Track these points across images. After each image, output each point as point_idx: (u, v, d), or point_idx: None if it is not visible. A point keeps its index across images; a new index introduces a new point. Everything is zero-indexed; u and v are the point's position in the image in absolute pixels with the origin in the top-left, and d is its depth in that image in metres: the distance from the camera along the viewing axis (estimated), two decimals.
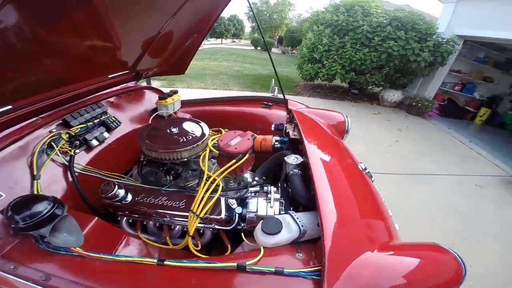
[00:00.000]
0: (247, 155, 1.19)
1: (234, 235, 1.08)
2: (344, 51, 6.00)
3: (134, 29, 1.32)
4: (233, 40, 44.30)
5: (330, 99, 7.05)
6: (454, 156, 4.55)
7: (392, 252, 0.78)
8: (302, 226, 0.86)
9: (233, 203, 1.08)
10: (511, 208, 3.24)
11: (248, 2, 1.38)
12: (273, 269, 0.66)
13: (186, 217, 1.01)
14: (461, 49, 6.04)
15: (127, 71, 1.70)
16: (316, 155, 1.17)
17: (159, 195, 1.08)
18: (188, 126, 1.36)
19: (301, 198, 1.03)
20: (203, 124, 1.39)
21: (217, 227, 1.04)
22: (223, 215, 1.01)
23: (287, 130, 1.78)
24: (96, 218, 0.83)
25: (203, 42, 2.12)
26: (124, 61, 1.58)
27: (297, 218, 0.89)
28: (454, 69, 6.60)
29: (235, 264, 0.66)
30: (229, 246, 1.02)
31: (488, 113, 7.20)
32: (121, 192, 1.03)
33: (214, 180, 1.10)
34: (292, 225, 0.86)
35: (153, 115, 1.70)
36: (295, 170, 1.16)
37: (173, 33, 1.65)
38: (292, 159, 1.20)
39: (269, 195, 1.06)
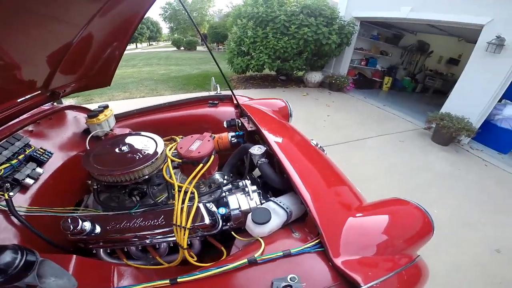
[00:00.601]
0: (212, 156, 1.17)
1: (222, 238, 1.06)
2: (267, 41, 6.31)
3: (40, 44, 1.08)
4: (150, 43, 40.90)
5: (264, 88, 7.37)
6: (375, 120, 5.44)
7: (367, 213, 0.90)
8: (287, 208, 0.92)
9: (211, 206, 1.05)
10: (431, 155, 4.10)
11: (180, 1, 1.31)
12: (282, 253, 0.69)
13: (170, 232, 0.94)
14: (359, 29, 7.11)
15: (39, 92, 1.40)
16: (275, 141, 1.24)
17: (132, 218, 0.97)
18: (138, 141, 1.24)
19: (275, 183, 1.09)
20: (153, 135, 1.28)
21: (203, 234, 1.00)
22: (207, 221, 0.98)
23: (240, 124, 1.81)
24: (75, 256, 0.71)
25: None
26: (32, 81, 1.30)
27: (280, 202, 0.94)
28: (357, 47, 7.73)
29: (246, 260, 0.67)
30: (222, 248, 1.00)
31: (391, 81, 8.79)
32: (87, 225, 0.90)
33: (187, 189, 1.05)
34: (278, 210, 0.91)
35: (89, 137, 1.47)
36: (262, 159, 1.21)
37: (89, 43, 1.43)
38: (257, 150, 1.24)
39: (246, 189, 1.08)
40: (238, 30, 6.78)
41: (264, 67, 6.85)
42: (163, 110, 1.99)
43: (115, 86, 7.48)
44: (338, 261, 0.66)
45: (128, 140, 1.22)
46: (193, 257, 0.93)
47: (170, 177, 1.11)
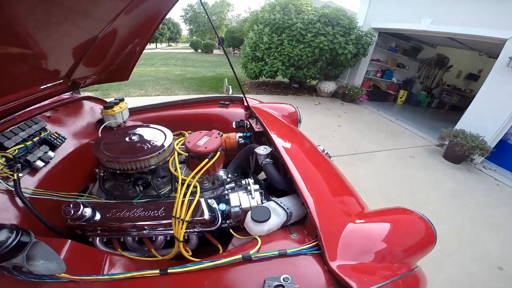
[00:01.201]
0: (218, 152, 1.19)
1: (220, 236, 1.07)
2: (282, 48, 6.35)
3: (67, 36, 1.15)
4: (169, 44, 42.00)
5: (275, 95, 7.40)
6: (387, 133, 5.34)
7: (369, 220, 0.89)
8: (288, 209, 0.92)
9: (212, 202, 1.06)
10: (442, 172, 3.99)
11: (201, 3, 1.35)
12: (277, 253, 0.68)
13: (169, 225, 0.95)
14: (377, 41, 7.06)
15: (61, 81, 1.48)
16: (282, 143, 1.25)
17: (133, 207, 0.99)
18: (148, 132, 1.28)
19: (279, 183, 1.09)
20: (163, 129, 1.32)
21: (202, 229, 1.01)
22: (206, 216, 0.99)
23: (248, 126, 1.83)
24: (70, 241, 0.73)
25: None
26: (56, 70, 1.38)
27: (281, 203, 0.94)
28: (373, 59, 7.67)
29: (240, 256, 0.67)
30: (219, 246, 1.01)
31: (406, 94, 8.63)
32: (88, 211, 0.92)
33: (190, 183, 1.07)
34: (278, 210, 0.91)
35: (102, 126, 1.53)
36: (267, 160, 1.21)
37: (112, 39, 1.51)
38: (262, 150, 1.25)
39: (248, 187, 1.08)
40: (254, 36, 6.87)
41: (277, 73, 6.89)
42: (175, 107, 2.04)
43: (132, 83, 7.72)
44: (334, 265, 0.65)
45: (139, 131, 1.26)
46: (188, 252, 0.93)
47: (176, 170, 1.13)
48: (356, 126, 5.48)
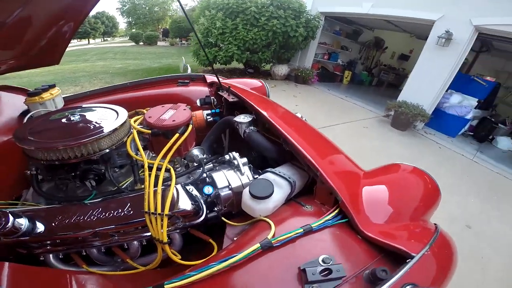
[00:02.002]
0: (190, 126, 0.97)
1: (207, 230, 0.88)
2: (237, 32, 6.14)
3: None
4: (104, 39, 37.32)
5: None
6: (340, 109, 5.66)
7: (378, 179, 0.81)
8: (289, 178, 0.78)
9: (191, 189, 0.86)
10: (392, 141, 4.37)
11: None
12: (302, 230, 0.54)
13: (142, 225, 0.73)
14: (324, 24, 7.32)
15: None
16: (264, 110, 1.09)
17: (87, 209, 0.73)
18: (93, 112, 0.98)
19: (270, 151, 0.94)
20: (113, 106, 1.03)
21: (184, 224, 0.80)
22: (188, 206, 0.79)
23: (216, 103, 1.65)
24: (6, 263, 0.50)
25: None
26: None
27: (279, 172, 0.80)
28: (321, 42, 7.96)
29: (258, 245, 0.50)
30: (211, 241, 0.82)
31: (350, 75, 9.25)
32: (23, 222, 0.65)
33: (159, 168, 0.84)
34: (279, 181, 0.76)
35: (27, 116, 1.16)
36: (251, 128, 1.05)
37: (31, 18, 1.12)
38: (243, 118, 1.09)
39: (234, 162, 0.91)
40: (206, 21, 6.47)
41: (233, 59, 6.65)
42: (126, 89, 1.70)
43: (63, 80, 6.63)
44: (370, 232, 0.54)
45: (79, 111, 0.96)
46: (176, 255, 0.73)
47: (137, 153, 0.88)
48: (312, 104, 5.67)
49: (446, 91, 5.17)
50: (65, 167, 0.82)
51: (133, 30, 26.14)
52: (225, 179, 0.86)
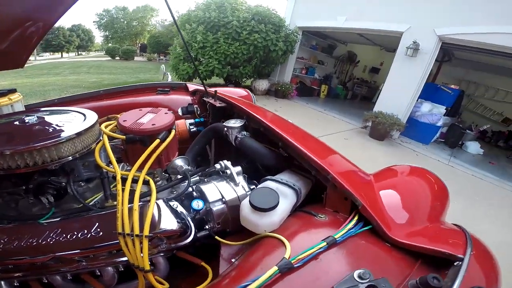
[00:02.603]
0: (172, 132, 0.83)
1: (196, 251, 0.74)
2: (218, 46, 6.16)
3: None
4: (79, 53, 35.94)
5: None
6: (321, 122, 5.79)
7: (390, 182, 0.74)
8: (294, 185, 0.67)
9: (175, 205, 0.72)
10: (373, 150, 4.48)
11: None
12: (325, 244, 0.43)
13: (115, 248, 0.57)
14: (301, 39, 7.61)
15: None
16: (257, 114, 1.00)
17: (42, 231, 0.58)
18: (55, 115, 0.82)
19: (268, 158, 0.84)
20: (80, 109, 0.87)
21: (170, 247, 0.66)
22: (174, 225, 0.65)
23: (199, 112, 1.55)
24: None
25: (33, 59, 1.44)
26: None
27: (282, 180, 0.69)
28: (299, 57, 8.23)
29: (276, 269, 0.38)
30: (203, 264, 0.68)
31: (327, 89, 9.59)
32: None
33: (135, 180, 0.69)
34: (283, 189, 0.66)
35: None
36: (243, 133, 0.95)
37: None
38: (233, 123, 0.98)
39: (227, 172, 0.79)
40: (187, 35, 6.44)
41: (214, 73, 6.62)
42: (98, 98, 1.54)
43: (31, 93, 6.18)
44: (399, 237, 0.45)
45: (37, 114, 0.79)
46: (162, 284, 0.58)
47: (108, 163, 0.73)
48: (293, 118, 5.68)
49: (417, 100, 5.48)
50: (13, 179, 0.65)
51: (110, 44, 25.50)
52: (217, 192, 0.73)
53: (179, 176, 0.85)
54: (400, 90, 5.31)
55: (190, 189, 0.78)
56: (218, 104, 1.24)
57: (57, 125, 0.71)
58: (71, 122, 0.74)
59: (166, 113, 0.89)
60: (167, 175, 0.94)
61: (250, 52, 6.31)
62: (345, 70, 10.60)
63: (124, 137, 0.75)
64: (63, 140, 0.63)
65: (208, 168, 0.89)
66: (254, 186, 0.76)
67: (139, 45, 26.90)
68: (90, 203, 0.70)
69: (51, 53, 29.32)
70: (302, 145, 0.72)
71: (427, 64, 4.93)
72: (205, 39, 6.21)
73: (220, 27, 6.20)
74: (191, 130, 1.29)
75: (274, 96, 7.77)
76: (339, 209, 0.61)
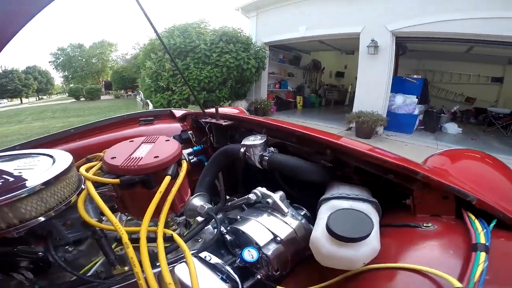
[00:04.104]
0: (184, 163, 0.63)
1: None
2: (189, 72, 6.03)
3: None
4: (40, 97, 33.84)
5: None
6: None
7: (458, 167, 0.63)
8: (369, 198, 0.51)
9: (208, 257, 0.52)
10: None
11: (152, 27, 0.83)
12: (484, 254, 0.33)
13: None
14: (269, 54, 7.79)
15: None
16: (277, 123, 0.84)
17: None
18: (8, 162, 0.58)
19: (315, 173, 0.67)
20: (46, 150, 0.64)
21: None
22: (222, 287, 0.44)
23: (195, 139, 1.35)
24: None
25: None
26: None
27: (350, 195, 0.52)
28: (270, 72, 8.37)
29: None
30: None
31: (302, 99, 9.79)
32: None
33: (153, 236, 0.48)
34: (360, 206, 0.51)
35: None
36: (270, 149, 0.77)
37: None
38: (253, 140, 0.80)
39: (267, 201, 0.60)
40: (153, 65, 6.26)
41: (189, 101, 6.44)
42: (70, 138, 1.28)
43: None
44: None
45: None
46: None
47: (100, 219, 0.52)
48: None
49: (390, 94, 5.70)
50: None
51: (72, 85, 24.27)
52: (265, 230, 0.54)
53: (199, 218, 0.65)
54: (373, 87, 5.51)
55: (223, 229, 0.58)
56: (223, 122, 1.06)
57: (11, 174, 0.48)
58: (33, 168, 0.51)
59: (167, 140, 0.69)
60: (179, 219, 0.72)
61: (224, 74, 6.27)
62: (314, 79, 10.94)
63: (118, 180, 0.53)
64: (22, 195, 0.41)
65: (232, 201, 0.70)
66: (304, 212, 0.58)
67: (103, 83, 25.99)
68: (88, 273, 0.47)
69: (9, 99, 27.32)
70: (359, 146, 0.57)
71: (389, 59, 5.20)
72: (174, 66, 6.10)
73: (188, 53, 6.11)
74: (192, 160, 1.14)
75: (254, 115, 7.76)
76: (439, 212, 0.49)
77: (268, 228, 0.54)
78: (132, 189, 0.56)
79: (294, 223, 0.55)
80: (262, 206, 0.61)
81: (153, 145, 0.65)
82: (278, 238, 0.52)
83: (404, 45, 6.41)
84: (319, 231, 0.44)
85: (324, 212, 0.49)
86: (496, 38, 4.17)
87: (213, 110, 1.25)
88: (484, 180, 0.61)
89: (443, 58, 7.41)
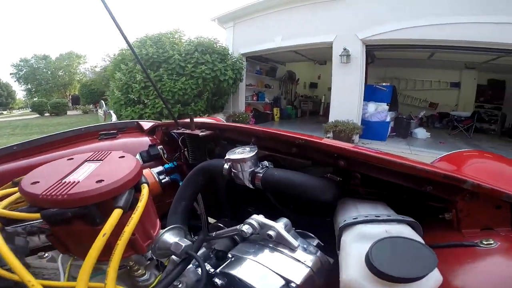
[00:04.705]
0: (144, 187, 0.45)
1: None
2: (162, 84, 5.75)
3: None
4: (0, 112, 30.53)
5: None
6: None
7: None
8: (404, 218, 0.38)
9: None
10: None
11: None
12: None
13: None
14: (246, 66, 7.79)
15: None
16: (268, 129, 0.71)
17: None
18: None
19: (325, 191, 0.52)
20: None
21: None
22: None
23: (166, 156, 1.15)
24: None
25: None
26: None
27: (389, 216, 0.40)
28: (247, 84, 8.33)
29: None
30: None
31: (279, 111, 9.85)
32: None
33: None
34: (401, 230, 0.38)
35: None
36: (264, 163, 0.62)
37: None
38: (240, 153, 0.64)
39: (270, 233, 0.44)
40: (124, 76, 5.88)
41: (163, 115, 6.11)
42: (12, 156, 1.02)
43: None
44: None
45: None
46: None
47: (13, 269, 0.32)
48: None
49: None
50: None
51: (35, 98, 22.25)
52: (271, 274, 0.38)
53: (175, 258, 0.47)
54: (347, 96, 5.68)
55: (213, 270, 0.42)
56: (200, 133, 0.89)
57: None
58: None
59: (121, 157, 0.51)
60: (148, 258, 0.54)
61: (200, 86, 6.07)
62: (289, 90, 11.13)
63: (38, 215, 0.35)
64: None
65: (217, 229, 0.53)
66: (317, 241, 0.44)
67: (70, 97, 24.22)
68: None
69: None
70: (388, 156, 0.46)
71: (361, 67, 5.44)
72: (146, 77, 5.81)
73: (161, 63, 5.87)
74: (163, 181, 0.94)
75: None
76: (492, 225, 0.41)
77: (275, 271, 0.39)
78: (67, 226, 0.38)
79: (309, 259, 0.40)
80: (260, 239, 0.45)
81: (99, 164, 0.47)
82: (293, 284, 0.37)
83: (373, 54, 6.79)
84: (354, 271, 0.31)
85: (351, 243, 0.36)
86: (455, 43, 4.56)
87: (188, 120, 1.08)
88: None
89: (407, 65, 7.93)
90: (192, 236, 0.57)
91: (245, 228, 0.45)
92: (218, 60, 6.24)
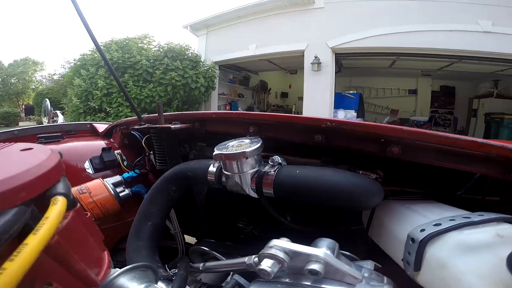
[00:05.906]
0: (61, 201, 0.23)
1: None
2: (128, 90, 5.33)
3: None
4: None
5: None
6: None
7: None
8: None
9: None
10: None
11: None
12: None
13: None
14: (219, 74, 7.65)
15: None
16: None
17: None
18: None
19: (369, 193, 0.37)
20: None
21: None
22: None
23: (126, 163, 0.95)
24: None
25: None
26: None
27: (483, 216, 0.25)
28: (220, 93, 8.18)
29: None
30: None
31: None
32: None
33: None
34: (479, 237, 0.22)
35: None
36: (275, 159, 0.45)
37: None
38: (236, 145, 0.47)
39: (293, 267, 0.27)
40: (84, 82, 5.35)
41: None
42: None
43: None
44: None
45: None
46: None
47: None
48: None
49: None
50: None
51: None
52: None
53: None
54: (319, 104, 5.83)
55: None
56: (173, 125, 0.69)
57: None
58: None
59: (26, 149, 0.30)
60: None
61: (169, 94, 5.75)
62: (262, 99, 11.24)
63: None
64: None
65: (206, 265, 0.36)
66: (371, 263, 0.28)
67: (24, 106, 21.60)
68: None
69: None
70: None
71: (331, 75, 5.67)
72: (108, 84, 5.32)
73: (127, 69, 5.48)
74: (121, 194, 0.76)
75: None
76: None
77: None
78: None
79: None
80: (288, 274, 0.28)
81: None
82: None
83: (340, 63, 7.13)
84: None
85: (454, 259, 0.22)
86: (415, 50, 4.98)
87: (155, 114, 0.86)
88: None
89: (371, 74, 8.45)
90: (168, 270, 0.37)
91: (267, 265, 0.28)
92: (190, 67, 6.00)
